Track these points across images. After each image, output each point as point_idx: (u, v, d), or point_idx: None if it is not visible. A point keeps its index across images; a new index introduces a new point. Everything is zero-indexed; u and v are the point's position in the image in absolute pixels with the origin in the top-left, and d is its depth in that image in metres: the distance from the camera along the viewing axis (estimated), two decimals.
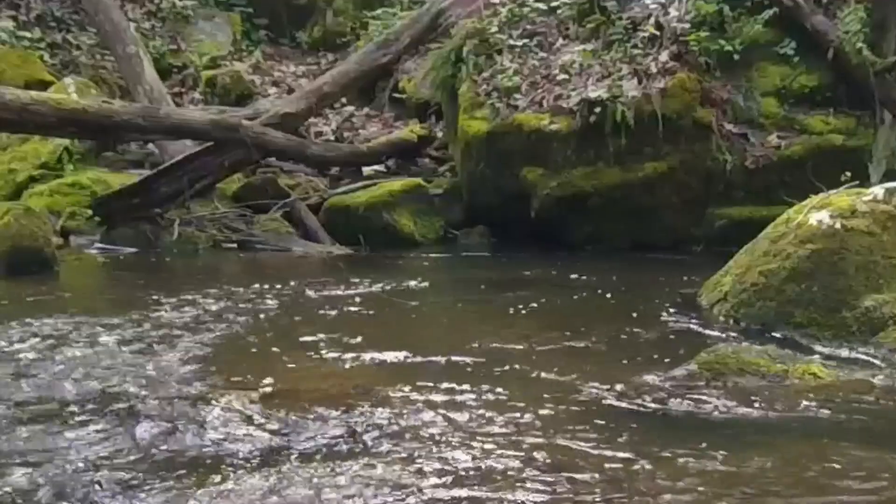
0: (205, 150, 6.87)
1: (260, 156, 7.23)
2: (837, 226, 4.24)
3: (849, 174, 4.85)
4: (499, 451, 2.79)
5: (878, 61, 6.46)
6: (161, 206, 6.71)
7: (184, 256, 6.40)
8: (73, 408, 3.16)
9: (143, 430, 2.94)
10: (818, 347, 4.02)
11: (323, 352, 3.93)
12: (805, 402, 3.28)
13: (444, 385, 3.42)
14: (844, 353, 3.95)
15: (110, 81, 8.70)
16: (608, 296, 5.24)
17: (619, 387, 3.42)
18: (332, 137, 8.14)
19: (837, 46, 6.47)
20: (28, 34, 8.95)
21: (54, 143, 7.33)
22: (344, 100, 8.40)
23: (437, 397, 3.30)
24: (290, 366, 3.74)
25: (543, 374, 3.60)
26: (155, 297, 4.90)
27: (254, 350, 3.97)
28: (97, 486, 2.52)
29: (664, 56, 6.55)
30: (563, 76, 6.67)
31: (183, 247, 6.50)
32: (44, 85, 7.83)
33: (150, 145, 7.81)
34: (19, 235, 5.57)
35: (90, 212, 6.72)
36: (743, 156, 6.41)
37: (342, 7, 10.10)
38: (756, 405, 3.26)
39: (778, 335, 4.16)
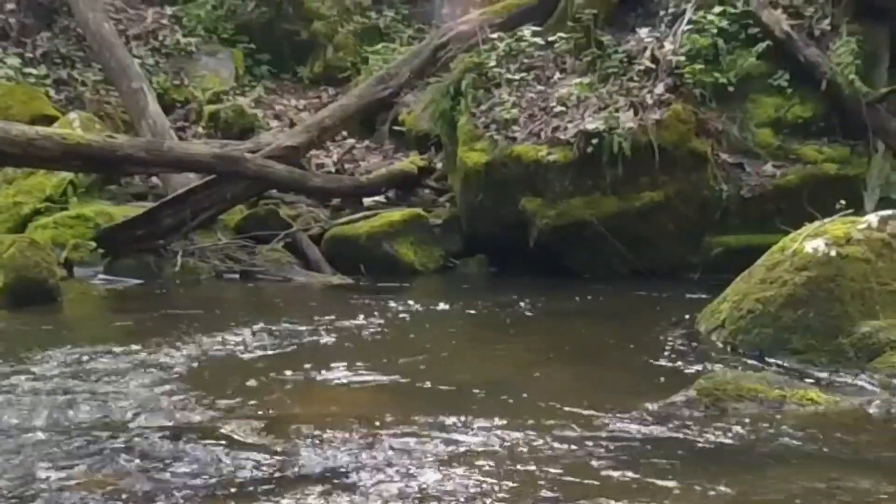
0: (208, 183, 6.94)
1: (262, 188, 7.33)
2: (833, 253, 4.30)
3: (843, 202, 4.90)
4: (497, 479, 2.81)
5: (869, 92, 6.56)
6: (164, 237, 6.75)
7: (186, 287, 6.43)
8: (74, 436, 3.19)
9: (144, 458, 2.97)
10: (815, 373, 4.07)
11: (323, 379, 3.97)
12: (803, 428, 3.31)
13: (445, 411, 3.45)
14: (841, 378, 4.00)
15: (114, 116, 8.79)
16: (606, 323, 5.30)
17: (618, 413, 3.45)
18: (333, 169, 8.20)
19: (830, 78, 6.56)
20: (34, 71, 9.07)
21: (59, 177, 7.41)
22: (345, 132, 8.48)
23: (438, 423, 3.33)
24: (290, 394, 3.76)
25: (542, 401, 3.64)
26: (157, 327, 4.96)
27: (254, 378, 3.99)
28: None
29: (660, 88, 6.64)
30: (560, 108, 6.75)
31: (185, 277, 6.54)
32: (49, 120, 7.92)
33: (154, 178, 7.88)
34: (23, 267, 5.64)
35: (94, 243, 6.76)
36: (738, 185, 6.48)
37: (343, 42, 10.24)
38: (754, 431, 3.29)
39: (775, 361, 4.21)
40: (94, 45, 8.90)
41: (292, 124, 8.85)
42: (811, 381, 3.89)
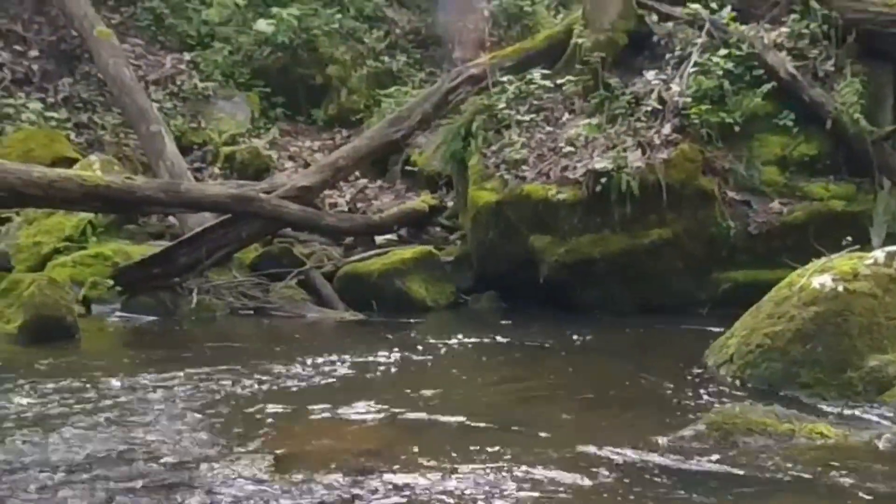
0: (223, 222, 7.02)
1: (277, 227, 7.42)
2: (840, 289, 4.32)
3: (850, 238, 4.93)
4: None
5: (874, 130, 6.64)
6: (180, 275, 6.83)
7: (201, 323, 6.50)
8: (86, 470, 3.23)
9: (154, 492, 3.00)
10: (824, 407, 4.08)
11: (334, 414, 3.99)
12: (813, 462, 3.31)
13: (455, 446, 3.48)
14: (851, 412, 4.00)
15: (133, 158, 8.93)
16: (615, 358, 5.31)
17: (628, 447, 3.46)
18: (346, 208, 8.31)
19: (835, 117, 6.64)
20: (55, 115, 9.24)
21: (78, 217, 7.51)
22: (357, 173, 8.60)
23: (447, 459, 3.34)
24: (301, 429, 3.79)
25: (553, 435, 3.65)
26: (171, 363, 4.99)
27: (266, 412, 4.03)
28: None
29: (667, 128, 6.70)
30: (569, 148, 6.82)
31: (201, 314, 6.61)
32: (70, 162, 8.06)
33: (171, 217, 7.98)
34: (43, 305, 5.73)
35: (111, 281, 6.84)
36: (746, 221, 6.52)
37: (356, 86, 10.42)
38: (764, 465, 3.29)
39: (784, 395, 4.21)
40: (115, 89, 9.08)
41: (306, 165, 8.98)
42: (820, 415, 3.89)
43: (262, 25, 10.24)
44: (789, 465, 3.28)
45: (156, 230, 8.06)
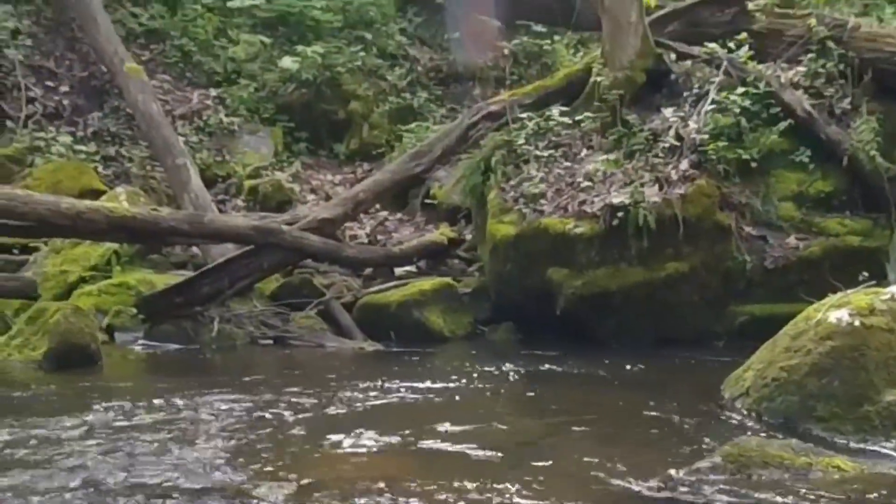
0: (245, 253, 7.11)
1: (298, 258, 7.49)
2: (857, 323, 4.31)
3: (866, 274, 4.96)
4: None
5: (891, 167, 6.68)
6: (202, 304, 6.90)
7: (222, 352, 6.57)
8: (108, 497, 3.27)
9: None
10: (841, 441, 4.07)
11: (353, 443, 4.01)
12: (830, 496, 3.31)
13: (474, 478, 3.47)
14: (868, 446, 4.00)
15: (159, 190, 9.08)
16: (631, 390, 5.31)
17: (643, 480, 3.46)
18: (367, 240, 8.39)
19: (852, 154, 6.69)
20: (84, 148, 9.41)
21: (104, 247, 7.60)
22: (378, 205, 8.70)
23: (467, 490, 3.35)
24: (321, 457, 3.81)
25: (570, 467, 3.66)
26: (192, 391, 5.04)
27: (286, 441, 4.06)
28: None
29: (684, 164, 6.75)
30: (586, 183, 6.88)
31: (222, 343, 6.67)
32: (97, 194, 8.18)
33: (195, 248, 8.08)
34: (68, 332, 5.83)
35: (135, 310, 6.93)
36: (762, 256, 6.55)
37: (378, 121, 10.59)
38: (780, 498, 3.28)
39: (800, 429, 4.20)
40: (143, 124, 9.28)
41: (328, 198, 9.08)
42: (837, 449, 3.87)
43: (288, 62, 10.46)
44: (805, 498, 3.28)
45: (179, 260, 8.16)
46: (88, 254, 7.67)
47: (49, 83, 10.03)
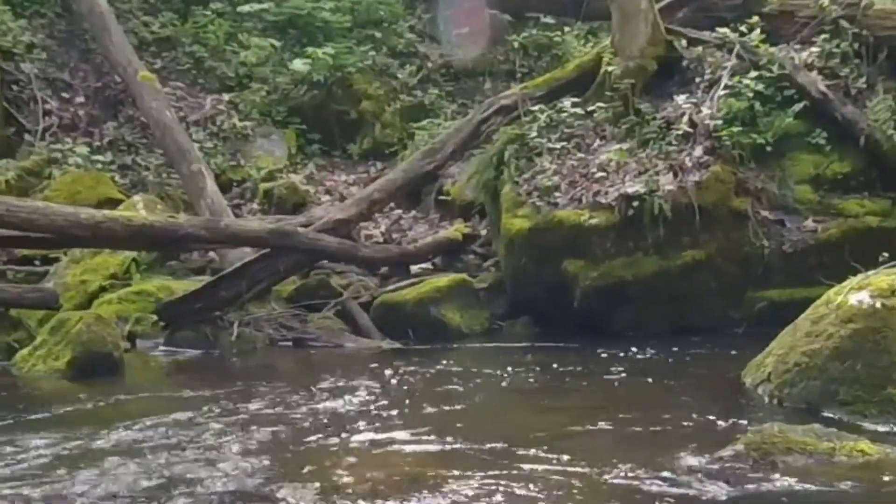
0: (262, 256, 7.14)
1: (314, 259, 7.53)
2: (878, 305, 4.28)
3: (886, 255, 4.87)
4: None
5: None
6: (221, 309, 6.95)
7: (242, 355, 6.61)
8: (133, 501, 3.30)
9: None
10: (864, 424, 4.05)
11: (375, 442, 4.03)
12: (855, 480, 3.29)
13: (494, 473, 3.48)
14: (891, 429, 3.98)
15: (175, 197, 9.16)
16: (651, 380, 5.29)
17: (666, 469, 3.46)
18: (382, 239, 8.41)
19: (869, 134, 6.62)
20: (101, 157, 9.50)
21: (123, 255, 7.68)
22: (392, 204, 8.69)
23: (489, 487, 3.35)
24: (343, 458, 3.82)
25: (590, 458, 3.66)
26: (214, 395, 5.08)
27: (309, 441, 4.08)
28: None
29: (698, 151, 6.72)
30: (600, 174, 6.86)
31: (241, 346, 6.71)
32: (114, 203, 8.28)
33: (212, 253, 8.14)
34: (90, 341, 5.90)
35: (155, 317, 7.00)
36: (780, 240, 6.50)
37: (389, 120, 10.60)
38: (805, 484, 3.28)
39: (823, 414, 4.18)
40: (157, 131, 9.35)
41: (342, 198, 9.10)
42: (861, 432, 3.85)
43: (298, 65, 10.49)
44: (830, 484, 3.26)
45: (197, 266, 8.23)
46: (108, 262, 7.75)
47: (64, 95, 10.13)
